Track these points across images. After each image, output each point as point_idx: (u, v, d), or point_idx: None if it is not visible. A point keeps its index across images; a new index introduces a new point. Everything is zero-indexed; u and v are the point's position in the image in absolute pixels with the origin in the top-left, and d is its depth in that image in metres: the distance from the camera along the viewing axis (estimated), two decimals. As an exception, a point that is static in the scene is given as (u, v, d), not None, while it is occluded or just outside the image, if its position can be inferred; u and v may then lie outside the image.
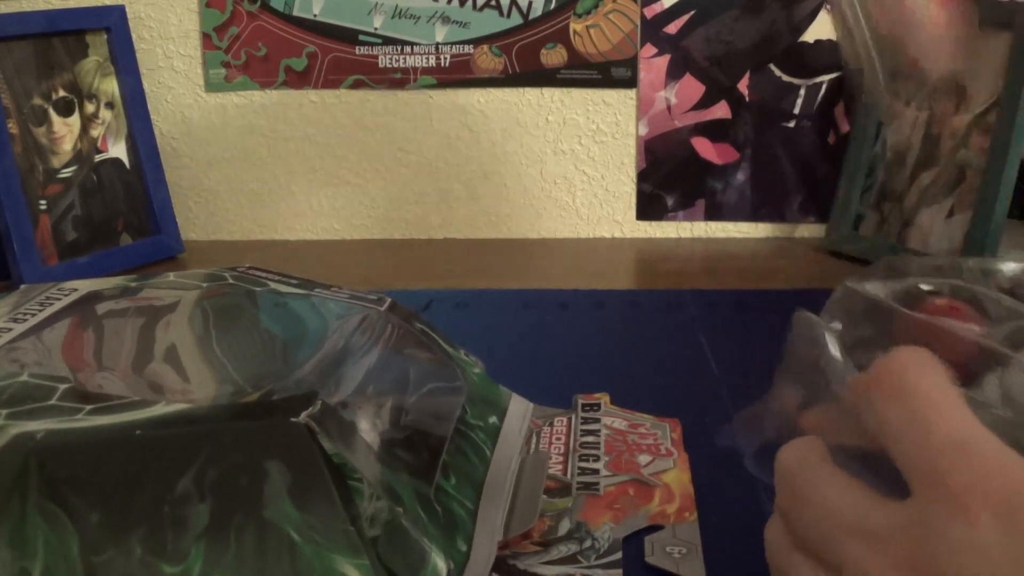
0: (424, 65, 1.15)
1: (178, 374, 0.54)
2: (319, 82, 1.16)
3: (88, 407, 0.48)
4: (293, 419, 0.45)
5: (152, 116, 1.14)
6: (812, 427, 0.45)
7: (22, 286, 0.68)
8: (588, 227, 1.19)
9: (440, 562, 0.46)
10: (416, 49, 1.15)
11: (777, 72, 1.14)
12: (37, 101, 1.03)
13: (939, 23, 0.61)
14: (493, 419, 0.62)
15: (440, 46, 1.15)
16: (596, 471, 0.63)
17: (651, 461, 0.65)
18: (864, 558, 0.36)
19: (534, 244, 1.17)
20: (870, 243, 1.07)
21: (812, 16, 1.12)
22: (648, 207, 1.18)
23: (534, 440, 0.66)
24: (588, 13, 1.14)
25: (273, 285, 0.66)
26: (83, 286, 0.66)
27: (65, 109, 1.05)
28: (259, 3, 1.14)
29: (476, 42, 1.15)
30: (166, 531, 0.44)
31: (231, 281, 0.67)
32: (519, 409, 0.66)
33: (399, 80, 1.16)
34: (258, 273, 0.68)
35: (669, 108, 1.15)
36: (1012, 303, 0.48)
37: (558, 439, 0.67)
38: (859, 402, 0.40)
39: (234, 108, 1.17)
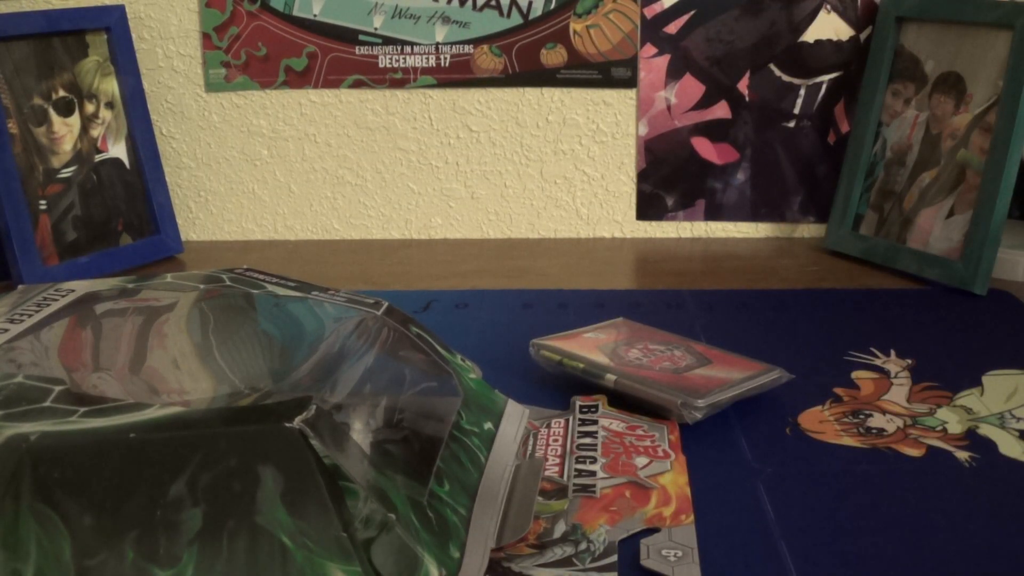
0: (424, 65, 1.15)
1: (175, 375, 0.54)
2: (319, 82, 1.16)
3: (82, 409, 0.48)
4: (287, 424, 0.45)
5: (152, 116, 1.14)
6: None
7: (20, 286, 0.68)
8: (588, 227, 1.19)
9: (433, 569, 0.46)
10: (416, 49, 1.15)
11: (777, 72, 1.14)
12: (37, 101, 1.03)
13: None
14: (488, 425, 0.62)
15: (440, 46, 1.15)
16: (593, 473, 0.63)
17: (648, 463, 0.65)
18: None
19: (534, 244, 1.17)
20: (870, 243, 1.07)
21: (812, 16, 1.12)
22: (648, 207, 1.18)
23: (531, 442, 0.66)
24: (588, 13, 1.13)
25: (270, 287, 0.66)
26: (81, 287, 0.66)
27: (65, 109, 1.05)
28: (259, 3, 1.14)
29: (476, 42, 1.14)
30: (159, 535, 0.44)
31: (228, 283, 0.67)
32: (515, 414, 0.66)
33: (399, 80, 1.16)
34: (255, 275, 0.68)
35: (669, 108, 1.15)
36: None
37: (555, 441, 0.67)
38: None
39: (234, 108, 1.17)
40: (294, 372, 0.53)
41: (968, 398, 0.75)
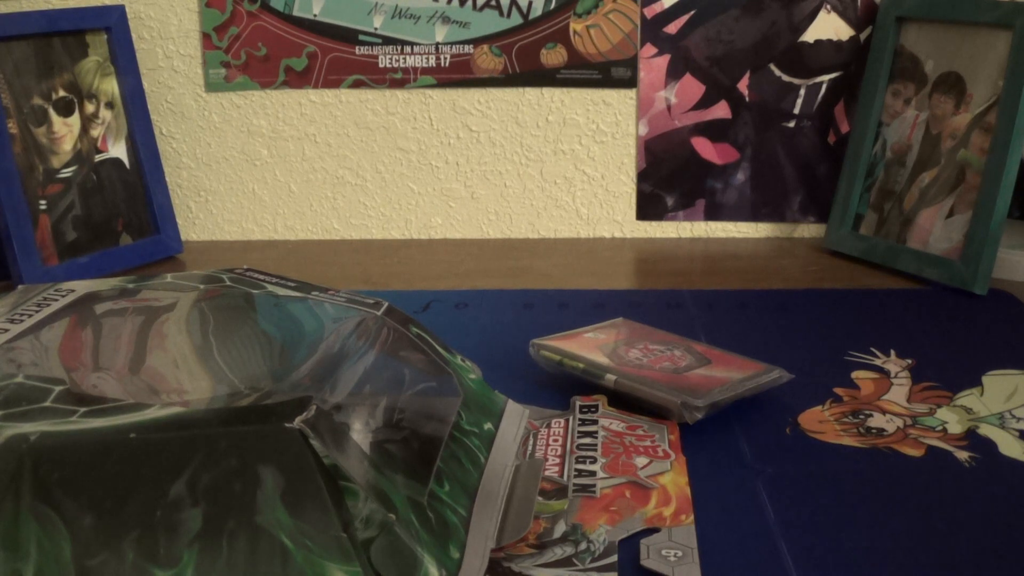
0: (424, 65, 1.15)
1: (175, 375, 0.54)
2: (319, 82, 1.16)
3: (83, 409, 0.48)
4: (287, 424, 0.45)
5: (152, 116, 1.14)
6: None
7: (20, 286, 0.68)
8: (588, 227, 1.19)
9: (433, 569, 0.46)
10: (416, 49, 1.15)
11: (777, 72, 1.14)
12: (37, 101, 1.03)
13: None
14: (488, 425, 0.62)
15: (440, 46, 1.15)
16: (593, 473, 0.63)
17: (648, 463, 0.65)
18: None
19: (534, 244, 1.17)
20: (870, 243, 1.07)
21: (812, 16, 1.12)
22: (648, 207, 1.18)
23: (531, 442, 0.66)
24: (588, 13, 1.13)
25: (270, 287, 0.66)
26: (81, 287, 0.66)
27: (65, 109, 1.05)
28: (259, 3, 1.14)
29: (476, 42, 1.14)
30: (159, 535, 0.44)
31: (228, 283, 0.67)
32: (515, 414, 0.66)
33: (399, 80, 1.16)
34: (255, 275, 0.68)
35: (669, 108, 1.15)
36: None
37: (555, 441, 0.67)
38: None
39: (234, 108, 1.17)
40: (294, 372, 0.53)
41: (968, 398, 0.75)
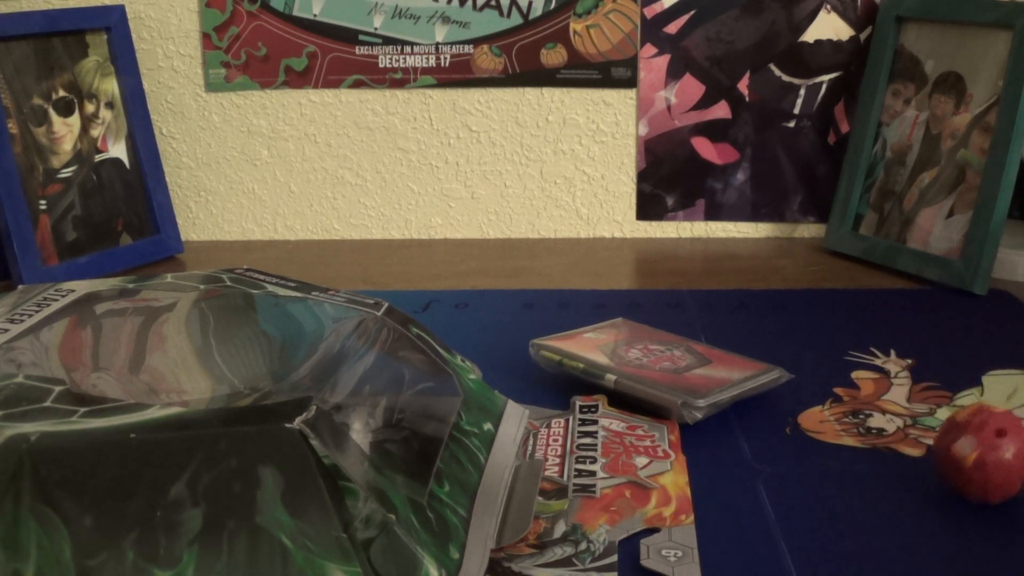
0: (424, 65, 1.15)
1: (175, 375, 0.54)
2: (319, 82, 1.16)
3: (83, 409, 0.48)
4: (287, 424, 0.45)
5: (152, 116, 1.14)
6: None
7: (20, 286, 0.68)
8: (588, 227, 1.19)
9: (432, 570, 0.46)
10: (416, 49, 1.15)
11: (777, 72, 1.14)
12: (37, 101, 1.03)
13: None
14: (488, 425, 0.62)
15: (440, 46, 1.15)
16: (593, 473, 0.63)
17: (648, 463, 0.65)
18: None
19: (534, 244, 1.17)
20: (870, 243, 1.07)
21: (812, 16, 1.12)
22: (648, 207, 1.18)
23: (531, 442, 0.66)
24: (588, 13, 1.13)
25: (270, 287, 0.66)
26: (81, 287, 0.66)
27: (65, 109, 1.05)
28: (259, 3, 1.14)
29: (476, 42, 1.14)
30: (159, 536, 0.44)
31: (228, 283, 0.67)
32: (515, 415, 0.66)
33: (399, 80, 1.16)
34: (255, 275, 0.68)
35: (669, 108, 1.15)
36: None
37: (555, 441, 0.67)
38: None
39: (234, 108, 1.17)
40: (294, 372, 0.53)
41: (968, 398, 0.75)
